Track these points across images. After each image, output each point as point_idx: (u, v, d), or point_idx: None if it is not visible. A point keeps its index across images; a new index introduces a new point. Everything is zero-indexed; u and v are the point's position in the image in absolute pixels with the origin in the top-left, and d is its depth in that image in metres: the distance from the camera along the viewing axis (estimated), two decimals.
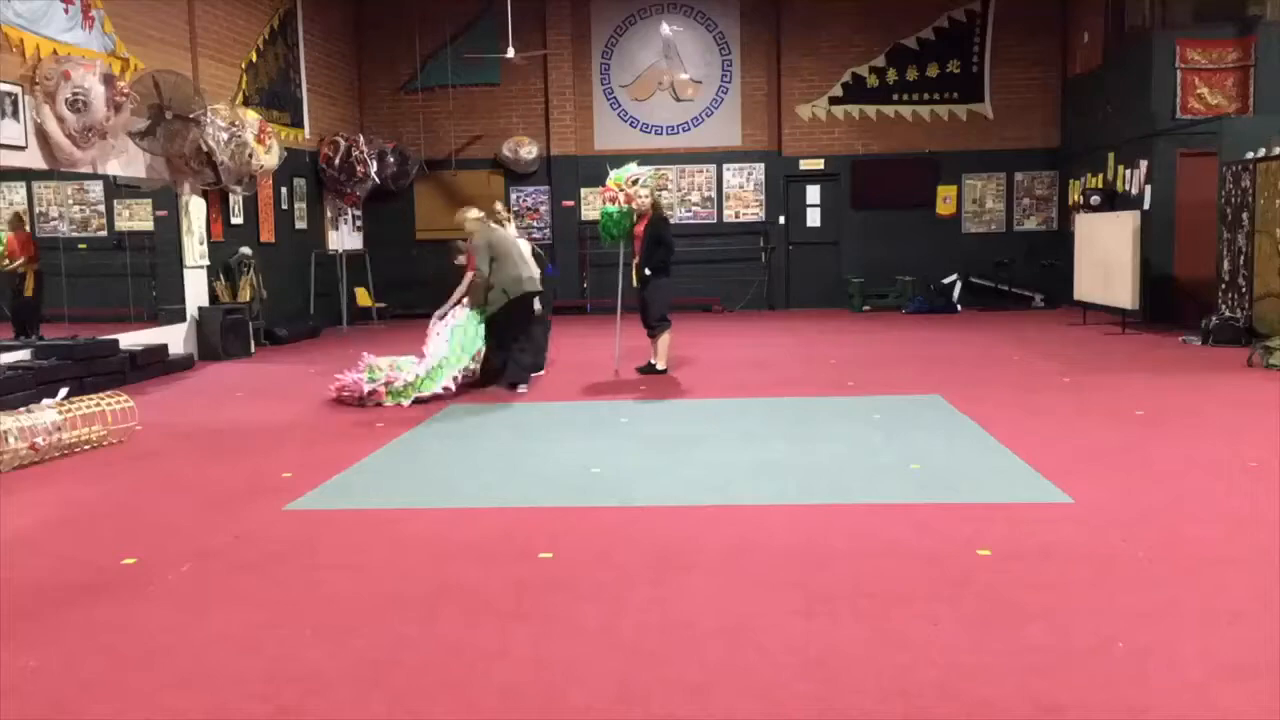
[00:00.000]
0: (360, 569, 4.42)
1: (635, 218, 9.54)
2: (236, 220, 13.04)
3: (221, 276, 12.52)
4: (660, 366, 9.74)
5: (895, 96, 16.79)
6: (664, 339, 9.72)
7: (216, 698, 3.20)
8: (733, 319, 15.93)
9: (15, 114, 9.13)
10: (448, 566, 4.40)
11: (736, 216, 17.15)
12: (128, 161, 10.78)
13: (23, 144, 9.23)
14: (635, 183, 9.59)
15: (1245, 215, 11.15)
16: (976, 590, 3.98)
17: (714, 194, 17.15)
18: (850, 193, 16.80)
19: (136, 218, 12.03)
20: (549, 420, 7.77)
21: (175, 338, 11.50)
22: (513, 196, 17.20)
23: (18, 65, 9.20)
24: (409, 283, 16.73)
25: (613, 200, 9.57)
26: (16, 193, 8.99)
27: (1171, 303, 12.91)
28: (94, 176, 10.28)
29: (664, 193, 16.94)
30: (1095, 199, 14.18)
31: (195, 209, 11.89)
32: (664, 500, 5.41)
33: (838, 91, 16.85)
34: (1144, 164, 13.35)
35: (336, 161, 15.26)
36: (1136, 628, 3.56)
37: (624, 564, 4.40)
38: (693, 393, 8.82)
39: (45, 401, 6.95)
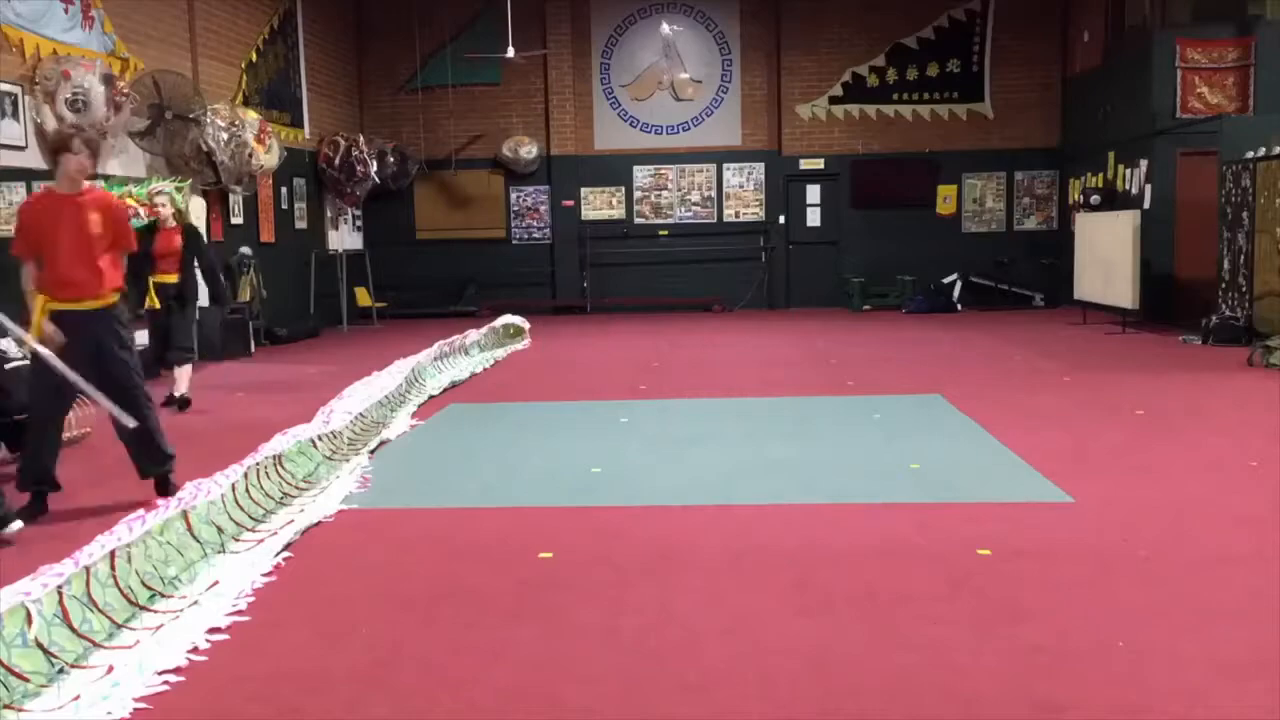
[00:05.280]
0: (361, 569, 4.42)
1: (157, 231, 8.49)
2: (236, 220, 13.03)
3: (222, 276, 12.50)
4: (182, 393, 8.40)
5: (895, 96, 16.78)
6: (187, 367, 8.56)
7: (217, 697, 3.20)
8: (733, 319, 15.93)
9: (15, 114, 9.13)
10: (448, 566, 4.40)
11: (736, 216, 17.14)
12: (128, 161, 10.78)
13: (23, 144, 9.23)
14: (156, 195, 8.91)
15: (1245, 214, 11.15)
16: (976, 590, 3.98)
17: (714, 194, 17.14)
18: (850, 192, 16.79)
19: (136, 218, 12.00)
20: (549, 420, 7.77)
21: None
22: (513, 196, 17.22)
23: (18, 65, 9.20)
24: (409, 283, 16.75)
25: (134, 215, 9.00)
26: (16, 193, 8.98)
27: (1171, 302, 12.91)
28: (94, 176, 10.28)
29: (664, 192, 16.95)
30: (1095, 198, 14.18)
31: (195, 209, 11.88)
32: (664, 500, 5.41)
33: (838, 91, 16.84)
34: (1144, 163, 13.35)
35: (336, 161, 15.26)
36: (1136, 628, 3.57)
37: (624, 564, 4.40)
38: (693, 393, 8.82)
39: None
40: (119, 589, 3.75)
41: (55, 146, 5.32)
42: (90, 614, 3.54)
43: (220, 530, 4.64)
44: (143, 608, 3.81)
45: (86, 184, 5.38)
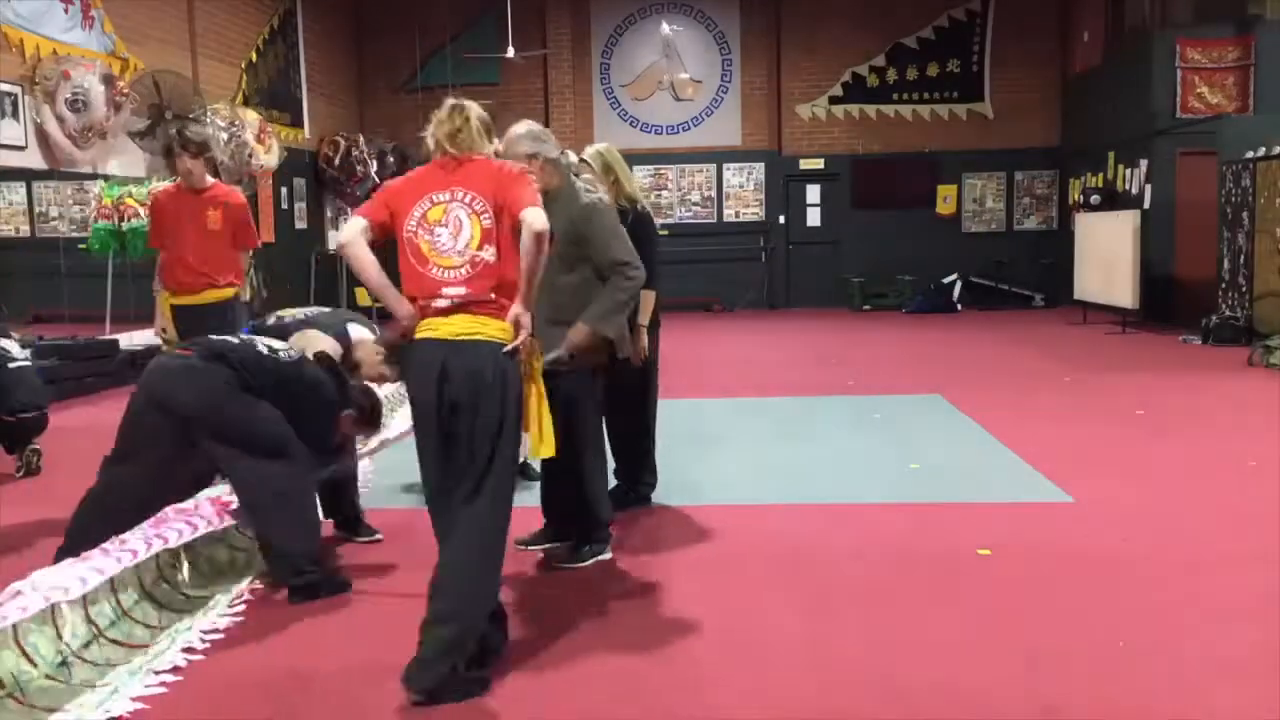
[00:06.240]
0: (360, 568, 4.41)
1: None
2: None
3: None
4: None
5: (895, 96, 16.77)
6: None
7: (215, 697, 3.20)
8: (733, 319, 15.93)
9: (15, 114, 9.13)
10: None
11: (736, 216, 17.14)
12: (128, 161, 10.79)
13: (23, 144, 9.23)
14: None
15: (1245, 214, 11.15)
16: (977, 590, 3.98)
17: (714, 194, 17.14)
18: (850, 192, 16.79)
19: (137, 218, 12.00)
20: None
21: None
22: None
23: (18, 65, 9.20)
24: None
25: (134, 215, 9.23)
26: (16, 193, 8.99)
27: (1171, 302, 12.91)
28: (94, 176, 10.28)
29: (664, 192, 16.95)
30: (1095, 198, 14.17)
31: None
32: (663, 500, 5.41)
33: (838, 91, 16.84)
34: (1144, 163, 13.35)
35: (336, 161, 15.26)
36: (1136, 628, 3.56)
37: (623, 564, 4.40)
38: (693, 393, 8.81)
39: None
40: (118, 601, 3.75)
41: (164, 151, 5.71)
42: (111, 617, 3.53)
43: None
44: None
45: (211, 180, 5.67)
